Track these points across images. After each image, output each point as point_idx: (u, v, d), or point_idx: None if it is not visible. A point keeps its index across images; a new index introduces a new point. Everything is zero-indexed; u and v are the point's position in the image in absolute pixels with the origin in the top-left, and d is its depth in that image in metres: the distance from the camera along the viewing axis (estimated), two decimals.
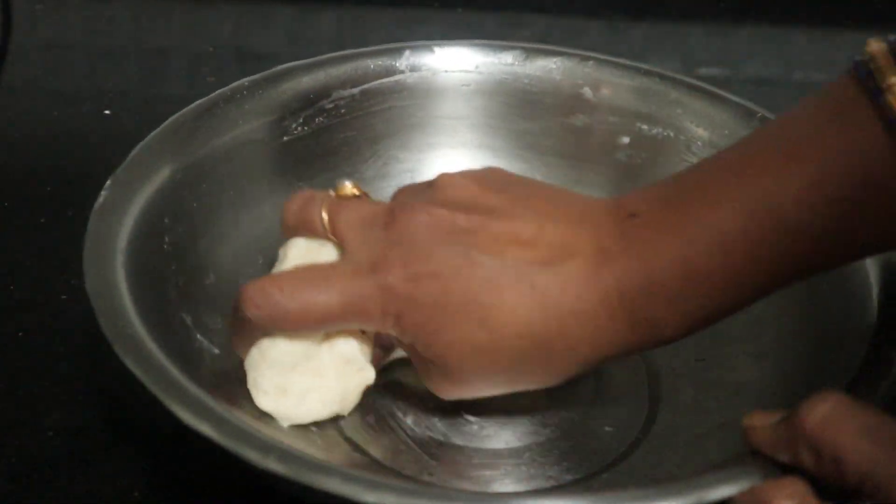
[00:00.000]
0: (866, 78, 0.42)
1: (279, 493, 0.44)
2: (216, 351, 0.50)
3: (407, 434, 0.50)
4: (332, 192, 0.50)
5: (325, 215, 0.48)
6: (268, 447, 0.42)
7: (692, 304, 0.45)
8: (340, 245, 0.48)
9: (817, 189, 0.42)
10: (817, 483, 0.40)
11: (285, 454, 0.42)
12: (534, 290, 0.45)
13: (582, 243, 0.46)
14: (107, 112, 0.71)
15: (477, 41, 0.62)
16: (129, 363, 0.44)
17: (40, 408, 0.52)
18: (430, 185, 0.48)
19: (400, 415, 0.51)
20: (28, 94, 0.74)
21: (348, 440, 0.50)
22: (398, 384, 0.52)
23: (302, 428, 0.49)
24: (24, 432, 0.51)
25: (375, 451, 0.49)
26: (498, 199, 0.47)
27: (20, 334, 0.55)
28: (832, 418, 0.40)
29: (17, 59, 0.75)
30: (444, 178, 0.48)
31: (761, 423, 0.43)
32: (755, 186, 0.43)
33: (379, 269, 0.46)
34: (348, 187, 0.50)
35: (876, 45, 0.42)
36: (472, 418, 0.51)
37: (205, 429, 0.42)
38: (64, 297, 0.57)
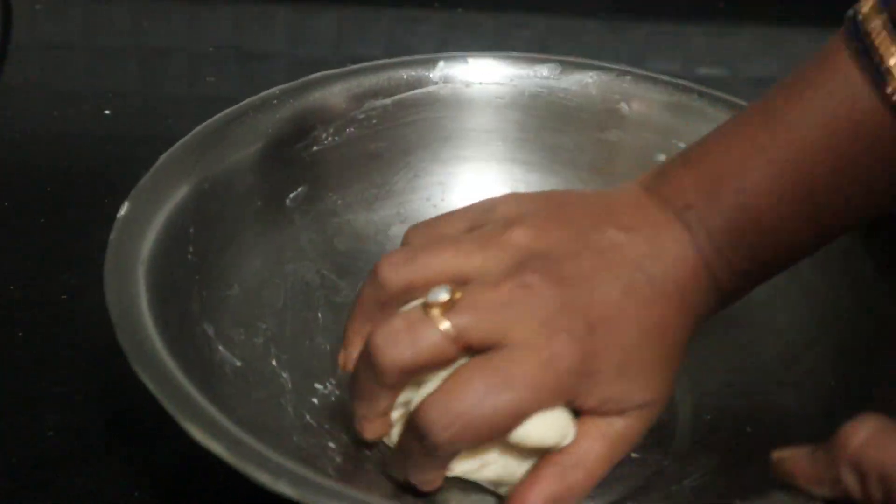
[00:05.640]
0: (866, 54, 0.44)
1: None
2: (238, 363, 0.50)
3: None
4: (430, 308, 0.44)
5: (451, 331, 0.44)
6: (280, 470, 0.41)
7: (756, 268, 0.48)
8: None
9: (826, 152, 0.45)
10: None
11: (297, 477, 0.41)
12: (653, 283, 0.46)
13: (660, 240, 0.47)
14: (107, 112, 0.71)
15: (512, 53, 0.61)
16: (145, 378, 0.43)
17: (40, 408, 0.52)
18: (487, 239, 0.46)
19: None
20: (28, 94, 0.74)
21: (370, 460, 0.49)
22: None
23: (319, 446, 0.49)
24: (24, 432, 0.51)
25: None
26: (558, 234, 0.47)
27: (20, 334, 0.55)
28: (876, 438, 0.39)
29: (17, 59, 0.75)
30: (509, 232, 0.47)
31: (793, 454, 0.42)
32: (777, 164, 0.46)
33: (549, 341, 0.44)
34: (443, 295, 0.44)
35: (873, 17, 0.45)
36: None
37: (217, 448, 0.41)
38: (64, 296, 0.57)
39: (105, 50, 0.77)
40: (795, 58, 0.79)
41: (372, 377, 0.44)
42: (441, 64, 0.60)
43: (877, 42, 0.44)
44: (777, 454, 0.43)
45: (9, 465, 0.49)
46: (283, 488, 0.40)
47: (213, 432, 0.42)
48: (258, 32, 0.79)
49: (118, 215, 0.50)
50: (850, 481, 0.39)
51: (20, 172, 0.66)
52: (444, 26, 0.81)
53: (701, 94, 0.59)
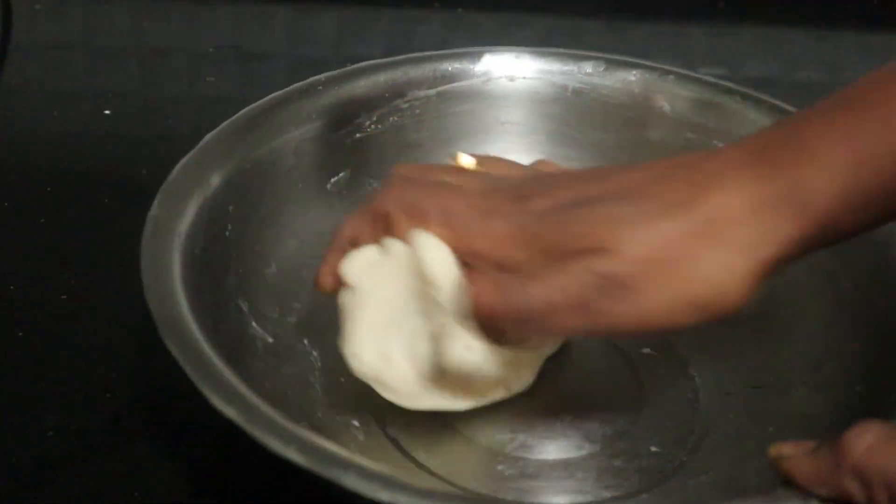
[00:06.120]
0: None
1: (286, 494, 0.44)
2: (270, 340, 0.51)
3: (454, 439, 0.50)
4: None
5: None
6: (290, 436, 0.41)
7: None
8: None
9: None
10: None
11: (306, 445, 0.41)
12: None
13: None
14: (107, 112, 0.71)
15: (557, 49, 0.62)
16: (169, 343, 0.44)
17: (40, 408, 0.52)
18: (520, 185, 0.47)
19: (450, 418, 0.50)
20: (28, 94, 0.74)
21: (392, 439, 0.49)
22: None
23: (343, 423, 0.49)
24: (24, 432, 0.51)
25: (418, 453, 0.49)
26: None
27: (20, 334, 0.55)
28: (880, 445, 0.39)
29: (17, 59, 0.75)
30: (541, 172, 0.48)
31: (793, 452, 0.42)
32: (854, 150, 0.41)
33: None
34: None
35: None
36: (519, 429, 0.50)
37: (230, 412, 0.42)
38: (64, 296, 0.57)
39: (105, 50, 0.77)
40: (795, 58, 0.79)
41: None
42: (486, 57, 0.61)
43: None
44: (775, 449, 0.42)
45: (9, 465, 0.49)
46: (293, 455, 0.41)
47: (228, 398, 0.42)
48: (258, 32, 0.79)
49: (160, 189, 0.51)
50: (854, 488, 0.39)
51: (20, 172, 0.66)
52: (444, 26, 0.81)
53: (744, 97, 0.59)
